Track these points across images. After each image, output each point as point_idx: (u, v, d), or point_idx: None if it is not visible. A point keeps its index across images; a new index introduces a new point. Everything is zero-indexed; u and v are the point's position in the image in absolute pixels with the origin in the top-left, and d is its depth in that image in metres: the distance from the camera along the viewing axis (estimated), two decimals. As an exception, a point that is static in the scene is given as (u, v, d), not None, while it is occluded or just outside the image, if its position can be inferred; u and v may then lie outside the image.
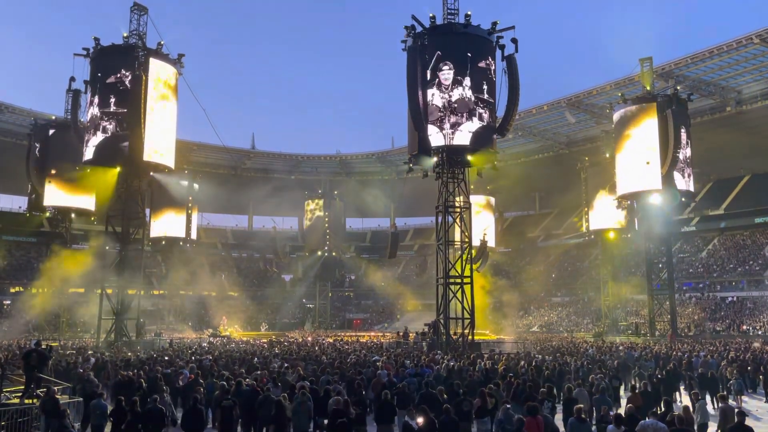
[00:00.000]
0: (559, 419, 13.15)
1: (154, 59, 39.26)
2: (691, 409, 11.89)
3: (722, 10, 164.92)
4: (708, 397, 18.89)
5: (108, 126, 38.53)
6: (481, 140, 34.63)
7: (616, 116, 49.16)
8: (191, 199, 61.29)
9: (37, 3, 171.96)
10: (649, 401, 14.41)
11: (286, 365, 20.16)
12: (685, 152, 46.35)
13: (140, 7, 39.92)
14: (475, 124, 34.42)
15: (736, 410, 11.23)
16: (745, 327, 50.74)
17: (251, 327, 64.36)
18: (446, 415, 11.30)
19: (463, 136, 34.03)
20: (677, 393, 20.13)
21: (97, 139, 38.72)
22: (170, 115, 41.00)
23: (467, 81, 34.60)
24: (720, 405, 12.82)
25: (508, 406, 12.32)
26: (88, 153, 39.07)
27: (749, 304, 54.39)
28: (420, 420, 10.97)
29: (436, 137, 34.36)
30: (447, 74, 34.58)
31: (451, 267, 34.55)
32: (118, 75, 38.70)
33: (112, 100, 38.64)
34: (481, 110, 34.86)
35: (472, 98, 34.68)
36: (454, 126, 34.30)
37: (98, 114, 38.70)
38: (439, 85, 34.54)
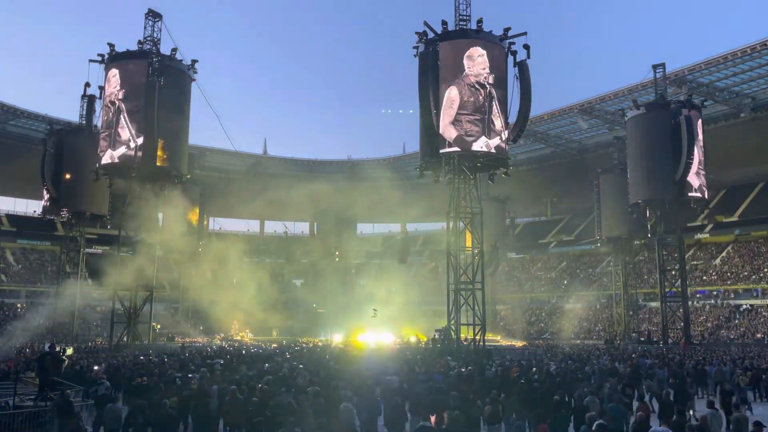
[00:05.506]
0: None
1: (168, 65, 39.59)
2: (707, 418, 11.77)
3: (736, 17, 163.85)
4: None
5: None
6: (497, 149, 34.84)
7: (628, 122, 48.94)
8: (203, 204, 61.64)
9: (53, 9, 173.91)
10: (662, 409, 14.30)
11: (295, 370, 20.17)
12: (699, 158, 46.03)
13: (155, 14, 40.29)
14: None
15: (754, 421, 11.09)
16: (759, 335, 50.19)
17: (262, 332, 64.45)
18: (456, 422, 11.27)
19: (478, 144, 34.06)
20: (690, 401, 19.94)
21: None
22: (183, 121, 41.32)
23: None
24: (734, 414, 12.68)
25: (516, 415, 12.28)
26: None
27: (764, 312, 53.79)
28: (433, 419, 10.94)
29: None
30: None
31: (462, 273, 34.48)
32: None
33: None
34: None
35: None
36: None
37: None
38: (461, 81, 34.04)
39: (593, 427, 9.93)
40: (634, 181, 48.35)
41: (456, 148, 33.95)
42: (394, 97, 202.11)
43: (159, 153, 38.49)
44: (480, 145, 33.82)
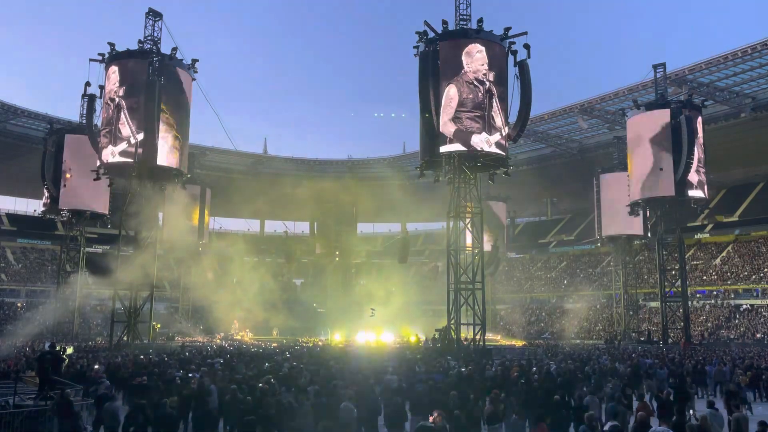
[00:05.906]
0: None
1: (169, 65, 39.56)
2: (707, 418, 11.76)
3: (736, 17, 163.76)
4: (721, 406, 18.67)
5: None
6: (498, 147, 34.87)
7: (629, 122, 48.92)
8: (203, 203, 61.61)
9: (53, 9, 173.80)
10: (662, 409, 14.30)
11: (296, 369, 20.16)
12: (699, 158, 46.00)
13: (155, 13, 40.24)
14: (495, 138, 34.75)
15: (759, 421, 11.06)
16: (759, 335, 50.19)
17: (262, 331, 64.42)
18: (457, 421, 11.27)
19: (478, 139, 34.03)
20: (690, 401, 19.93)
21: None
22: (184, 120, 41.30)
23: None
24: (734, 414, 12.67)
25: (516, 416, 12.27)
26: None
27: (764, 312, 53.79)
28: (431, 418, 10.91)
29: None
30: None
31: (462, 272, 34.47)
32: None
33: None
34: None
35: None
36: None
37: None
38: (459, 79, 34.02)
39: (606, 428, 9.90)
40: (634, 181, 48.31)
41: (456, 145, 33.87)
42: (395, 97, 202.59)
43: (159, 152, 38.42)
44: (480, 139, 33.76)
